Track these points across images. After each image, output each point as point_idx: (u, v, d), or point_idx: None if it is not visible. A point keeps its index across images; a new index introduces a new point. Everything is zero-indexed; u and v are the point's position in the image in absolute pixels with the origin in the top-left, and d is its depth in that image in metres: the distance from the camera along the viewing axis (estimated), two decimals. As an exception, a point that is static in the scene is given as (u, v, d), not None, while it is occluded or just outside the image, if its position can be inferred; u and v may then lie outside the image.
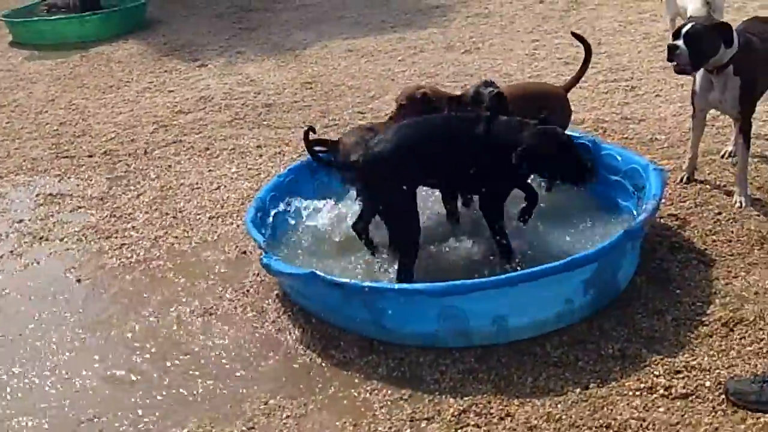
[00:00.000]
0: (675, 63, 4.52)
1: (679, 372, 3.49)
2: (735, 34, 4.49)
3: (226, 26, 10.78)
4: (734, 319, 3.78)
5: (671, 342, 3.69)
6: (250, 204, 4.69)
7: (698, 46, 4.40)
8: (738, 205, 4.74)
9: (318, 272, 3.83)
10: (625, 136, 5.88)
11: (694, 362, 3.54)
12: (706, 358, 3.56)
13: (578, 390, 3.45)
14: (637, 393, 3.41)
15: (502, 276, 3.67)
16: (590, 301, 3.87)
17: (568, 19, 9.28)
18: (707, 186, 5.03)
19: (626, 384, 3.46)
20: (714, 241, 4.43)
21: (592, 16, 9.26)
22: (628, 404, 3.34)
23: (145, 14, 11.38)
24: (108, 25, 10.73)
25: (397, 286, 3.75)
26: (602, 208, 4.68)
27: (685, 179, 5.07)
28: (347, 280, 3.80)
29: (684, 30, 4.45)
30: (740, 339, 3.66)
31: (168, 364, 3.89)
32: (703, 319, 3.81)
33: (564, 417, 3.30)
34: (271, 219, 4.59)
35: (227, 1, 12.33)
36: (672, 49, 4.46)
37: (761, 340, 3.63)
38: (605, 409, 3.33)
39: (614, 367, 3.57)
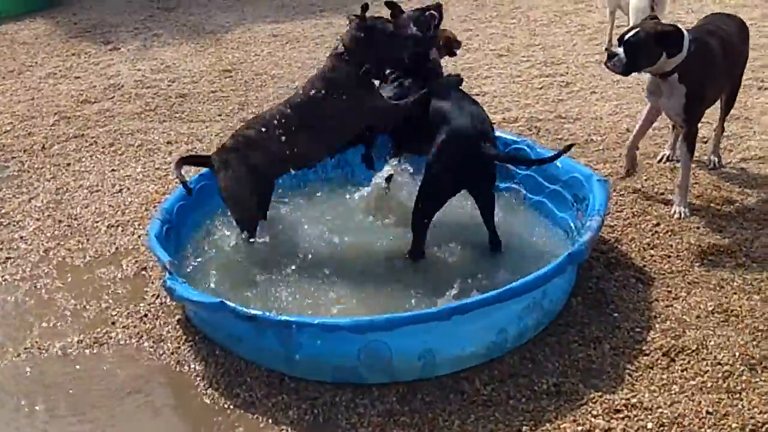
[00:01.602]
0: (611, 68, 4.31)
1: (618, 411, 3.19)
2: (685, 40, 4.20)
3: (143, 5, 10.08)
4: (676, 347, 3.50)
5: (610, 375, 3.39)
6: (155, 215, 4.20)
7: (637, 54, 4.20)
8: (677, 215, 4.47)
9: (227, 302, 3.39)
10: (560, 136, 5.57)
11: (635, 399, 3.24)
12: (647, 395, 3.26)
13: (509, 434, 3.11)
14: (574, 437, 3.09)
15: (433, 309, 3.29)
16: (524, 330, 3.53)
17: (502, 7, 8.94)
18: (644, 193, 4.75)
19: (562, 426, 3.15)
20: (652, 256, 4.15)
21: (527, 5, 8.93)
22: (563, 451, 3.03)
23: (56, -10, 10.60)
24: (15, 2, 9.93)
25: (317, 320, 3.34)
26: (539, 221, 4.36)
27: (624, 173, 4.82)
28: (259, 312, 3.36)
29: (626, 37, 4.22)
30: (682, 371, 3.38)
31: (44, 405, 3.41)
32: (644, 347, 3.52)
33: (492, 469, 2.96)
34: (176, 233, 4.15)
35: (145, -23, 11.62)
36: (611, 56, 4.28)
37: (704, 372, 3.36)
38: (539, 457, 3.01)
39: (548, 406, 3.24)
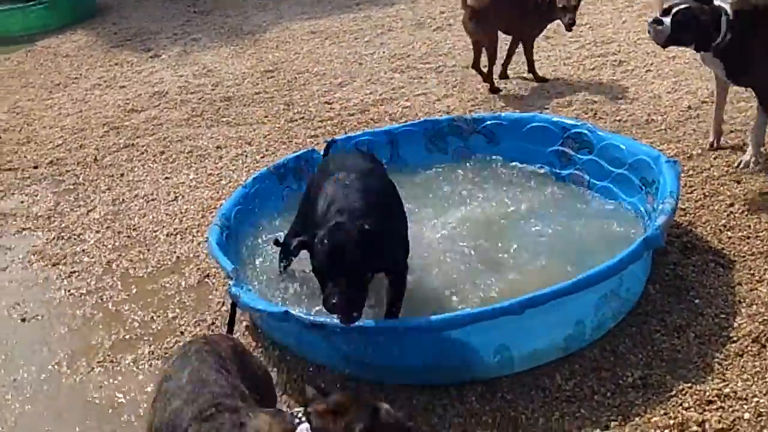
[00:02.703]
0: (652, 34, 4.31)
1: (711, 402, 3.06)
2: (724, 23, 4.14)
3: (179, 10, 10.11)
4: (765, 333, 3.35)
5: (697, 365, 3.25)
6: (214, 222, 4.16)
7: (681, 30, 4.18)
8: (743, 166, 4.36)
9: (291, 311, 3.33)
10: (618, 118, 5.41)
11: (727, 389, 3.10)
12: (739, 383, 3.12)
13: (598, 431, 3.00)
14: (666, 430, 2.97)
15: (505, 304, 3.18)
16: (603, 321, 3.41)
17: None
18: (714, 173, 4.58)
19: (652, 420, 3.03)
20: (730, 238, 3.99)
21: (568, -17, 8.71)
22: (657, 447, 2.91)
23: (95, 1, 10.67)
24: (55, 15, 10.02)
25: (382, 323, 3.25)
26: (605, 207, 4.22)
27: (711, 145, 4.78)
28: (327, 320, 3.28)
29: (674, 10, 4.18)
30: (775, 358, 3.23)
31: (120, 419, 3.39)
32: (731, 334, 3.38)
33: (584, 467, 2.86)
34: (236, 238, 4.11)
35: (180, -18, 11.66)
36: (657, 22, 4.23)
37: (799, 358, 3.21)
38: (631, 454, 2.89)
39: (636, 400, 3.12)
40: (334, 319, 3.16)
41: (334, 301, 3.09)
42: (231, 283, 3.57)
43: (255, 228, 4.31)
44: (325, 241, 3.15)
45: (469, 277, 3.77)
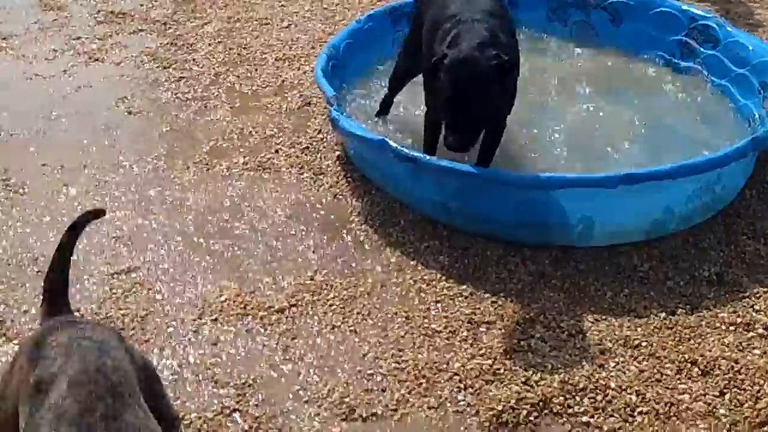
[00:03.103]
0: None
1: (783, 310, 3.04)
2: None
3: None
4: None
5: (777, 272, 3.22)
6: (322, 50, 4.20)
7: None
8: None
9: (389, 140, 3.40)
10: (750, 21, 5.12)
11: (803, 299, 3.07)
12: (817, 298, 3.09)
13: (663, 315, 3.03)
14: (732, 328, 2.98)
15: (600, 175, 3.17)
16: (691, 213, 3.37)
17: None
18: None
19: (720, 315, 3.03)
20: None
21: None
22: (719, 340, 2.93)
23: None
24: None
25: (477, 169, 3.29)
26: (719, 105, 4.08)
27: None
28: (420, 155, 3.34)
29: None
30: None
31: (208, 218, 3.56)
32: (820, 248, 3.31)
33: (643, 344, 2.91)
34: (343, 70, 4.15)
35: None
36: None
37: None
38: (692, 341, 2.92)
39: (708, 294, 3.13)
40: (427, 157, 3.23)
41: (452, 139, 3.13)
42: (331, 108, 3.64)
43: (362, 64, 4.34)
44: (461, 65, 3.11)
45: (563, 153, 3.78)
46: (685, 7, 4.46)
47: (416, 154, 3.34)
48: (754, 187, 3.66)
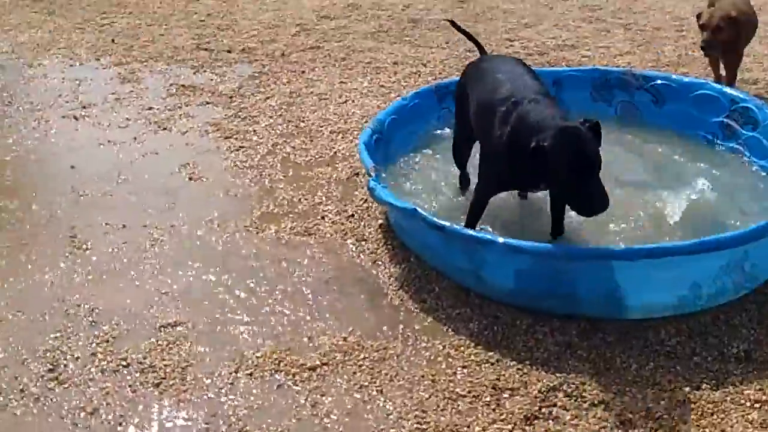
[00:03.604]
0: None
1: (811, 390, 3.03)
2: None
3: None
4: None
5: (809, 353, 3.21)
6: (368, 125, 4.44)
7: None
8: None
9: (419, 210, 3.56)
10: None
11: (832, 382, 3.05)
12: None
13: (688, 389, 3.06)
14: (757, 405, 2.98)
15: (620, 248, 3.26)
16: (720, 290, 3.41)
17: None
18: None
19: (745, 392, 3.03)
20: None
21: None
22: (743, 416, 2.93)
23: None
24: None
25: (502, 239, 3.42)
26: (761, 183, 4.13)
27: None
28: (448, 223, 3.50)
29: None
30: None
31: (253, 279, 3.76)
32: None
33: (665, 417, 2.93)
34: (387, 144, 4.37)
35: None
36: None
37: None
38: (715, 416, 2.93)
39: (735, 370, 3.14)
40: (454, 225, 3.38)
41: (600, 198, 3.19)
42: (370, 178, 3.84)
43: (407, 139, 4.55)
44: (573, 137, 3.22)
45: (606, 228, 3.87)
46: (726, 90, 4.56)
47: (444, 222, 3.49)
48: (792, 267, 3.67)
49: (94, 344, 3.36)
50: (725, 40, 4.70)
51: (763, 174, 4.23)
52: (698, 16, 4.86)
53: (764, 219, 3.65)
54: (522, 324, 3.41)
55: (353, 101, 5.55)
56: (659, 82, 4.69)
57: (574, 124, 3.29)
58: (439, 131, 4.65)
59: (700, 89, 4.54)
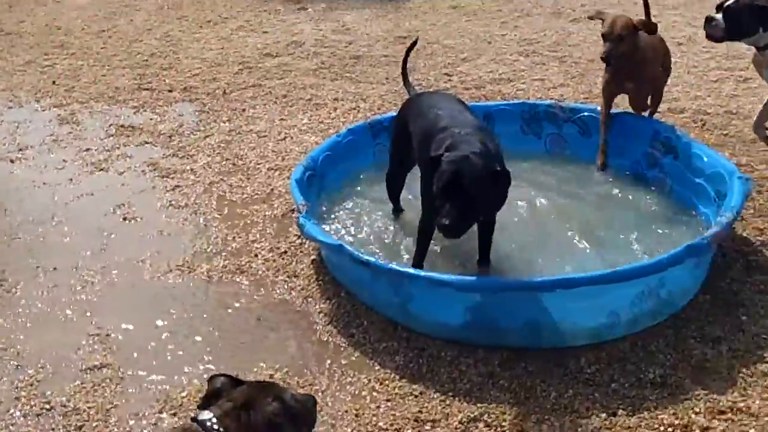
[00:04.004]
0: (707, 32, 4.55)
1: (722, 413, 3.12)
2: None
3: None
4: (802, 359, 3.35)
5: (722, 376, 3.30)
6: (301, 162, 4.51)
7: (735, 23, 4.41)
8: None
9: (345, 245, 3.62)
10: (726, 132, 5.34)
11: (743, 404, 3.15)
12: (757, 401, 3.16)
13: (604, 415, 3.13)
14: (670, 429, 3.07)
15: (538, 280, 3.34)
16: (637, 318, 3.50)
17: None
18: (807, 199, 4.49)
19: (659, 417, 3.12)
20: (799, 264, 3.95)
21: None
22: (655, 440, 3.01)
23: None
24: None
25: (424, 273, 3.49)
26: (680, 212, 4.26)
27: None
28: (373, 259, 3.56)
29: (726, 4, 4.44)
30: (803, 383, 3.24)
31: (182, 318, 3.79)
32: (765, 354, 3.39)
33: (581, 443, 3.00)
34: (321, 180, 4.44)
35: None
36: (708, 20, 4.50)
37: (827, 389, 3.20)
38: (629, 441, 3.01)
39: (650, 396, 3.22)
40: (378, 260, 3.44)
41: (447, 221, 3.32)
42: (300, 214, 3.90)
43: (340, 175, 4.62)
44: (461, 161, 3.38)
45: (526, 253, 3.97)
46: (649, 120, 4.71)
47: (369, 258, 3.55)
48: (709, 292, 3.78)
49: (18, 388, 3.36)
50: (626, 53, 4.49)
51: (682, 202, 4.36)
52: (595, 16, 4.79)
53: (681, 245, 3.79)
54: (447, 356, 3.46)
55: (292, 138, 5.62)
56: (586, 114, 4.82)
57: (466, 154, 3.41)
58: (372, 167, 4.73)
59: (624, 120, 4.68)
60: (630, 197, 4.48)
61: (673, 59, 6.59)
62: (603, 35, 4.53)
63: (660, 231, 4.18)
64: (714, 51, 6.70)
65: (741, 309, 3.67)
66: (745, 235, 4.20)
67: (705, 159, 4.21)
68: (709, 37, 4.55)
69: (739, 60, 6.54)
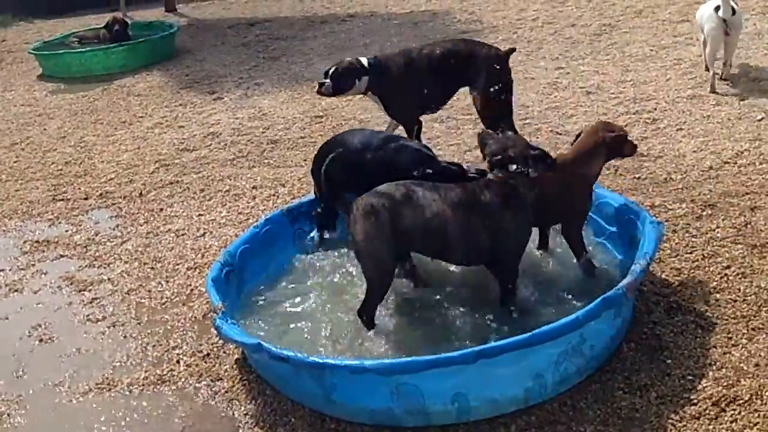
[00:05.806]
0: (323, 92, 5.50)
1: (656, 463, 3.08)
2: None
3: (250, 55, 10.65)
4: (727, 397, 3.34)
5: (652, 425, 3.28)
6: (217, 259, 4.43)
7: (338, 81, 5.41)
8: None
9: (263, 343, 3.54)
10: (638, 175, 5.44)
11: (675, 452, 3.12)
12: (689, 447, 3.14)
13: (540, 482, 3.07)
14: (606, 489, 3.01)
15: (459, 353, 3.29)
16: (566, 376, 3.47)
17: (598, 44, 8.83)
18: (718, 235, 4.56)
19: (595, 476, 3.06)
20: (717, 300, 3.98)
21: (623, 40, 8.78)
22: (591, 503, 2.95)
23: (174, 44, 11.33)
24: (135, 56, 10.68)
25: (344, 362, 3.42)
26: (601, 262, 4.27)
27: None
28: (293, 353, 3.48)
29: (330, 71, 5.42)
30: (731, 422, 3.23)
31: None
32: (692, 396, 3.38)
33: None
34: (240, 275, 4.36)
35: (258, 28, 12.26)
36: (320, 85, 5.47)
37: (755, 424, 3.19)
38: None
39: (584, 455, 3.17)
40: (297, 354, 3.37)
41: None
42: (216, 315, 3.81)
43: (261, 267, 4.54)
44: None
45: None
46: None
47: (288, 353, 3.47)
48: (633, 339, 3.78)
49: None
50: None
51: (601, 251, 4.39)
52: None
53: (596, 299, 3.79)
54: (377, 443, 3.38)
55: (211, 233, 5.54)
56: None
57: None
58: (293, 254, 4.68)
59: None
60: (551, 248, 4.48)
61: (582, 108, 6.81)
62: None
63: (583, 281, 4.17)
64: (622, 96, 6.91)
65: (665, 353, 3.67)
66: (664, 276, 4.24)
67: (615, 206, 4.25)
68: (325, 95, 5.52)
69: (647, 102, 6.75)
